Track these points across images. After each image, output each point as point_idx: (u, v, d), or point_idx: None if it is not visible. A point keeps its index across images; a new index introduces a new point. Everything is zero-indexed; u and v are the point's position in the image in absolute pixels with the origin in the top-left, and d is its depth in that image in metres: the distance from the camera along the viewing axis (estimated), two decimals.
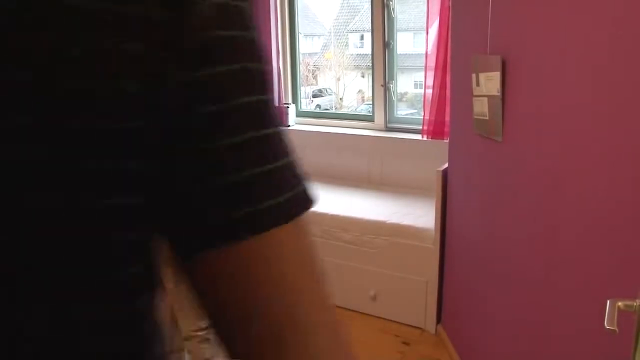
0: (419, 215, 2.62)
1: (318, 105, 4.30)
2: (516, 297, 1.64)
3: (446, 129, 2.76)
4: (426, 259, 2.49)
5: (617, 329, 0.78)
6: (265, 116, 0.33)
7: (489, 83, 1.73)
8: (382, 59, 3.11)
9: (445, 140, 2.72)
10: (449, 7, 2.62)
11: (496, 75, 1.66)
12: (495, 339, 1.85)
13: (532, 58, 1.45)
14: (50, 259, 0.29)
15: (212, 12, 0.30)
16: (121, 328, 0.34)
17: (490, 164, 1.84)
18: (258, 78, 0.33)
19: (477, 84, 1.84)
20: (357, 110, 4.21)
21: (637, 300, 0.79)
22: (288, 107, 3.54)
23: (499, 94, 1.66)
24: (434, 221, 2.46)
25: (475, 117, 1.91)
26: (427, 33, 2.86)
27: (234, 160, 0.32)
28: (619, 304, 0.80)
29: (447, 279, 2.48)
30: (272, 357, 0.33)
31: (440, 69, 2.76)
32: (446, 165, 2.42)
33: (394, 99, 3.22)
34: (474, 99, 1.89)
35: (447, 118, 2.71)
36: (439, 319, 2.61)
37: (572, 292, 1.26)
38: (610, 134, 1.07)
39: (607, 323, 0.79)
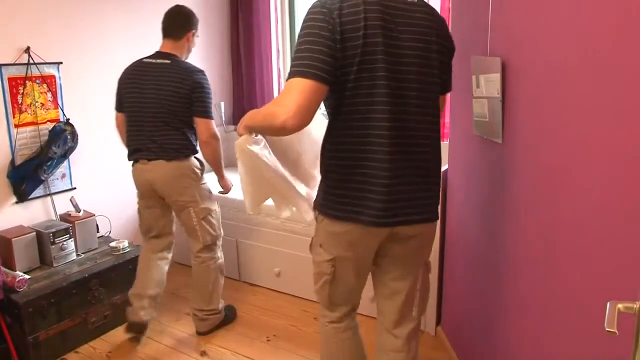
0: None
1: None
2: (516, 298, 1.64)
3: (446, 131, 2.76)
4: None
5: (617, 331, 0.78)
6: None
7: (489, 85, 1.73)
8: None
9: (445, 142, 2.71)
10: (449, 8, 2.62)
11: (496, 77, 1.66)
12: (495, 341, 1.85)
13: (532, 60, 1.45)
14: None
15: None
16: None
17: (490, 166, 1.84)
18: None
19: (477, 86, 1.84)
20: None
21: (637, 303, 0.79)
22: None
23: (499, 95, 1.66)
24: None
25: (475, 118, 1.91)
26: None
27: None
28: (619, 306, 0.80)
29: (447, 281, 2.48)
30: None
31: None
32: (446, 166, 2.42)
33: None
34: (474, 100, 1.89)
35: (447, 119, 2.72)
36: (438, 321, 2.61)
37: (572, 293, 1.26)
38: (610, 135, 1.08)
39: (607, 325, 0.79)
